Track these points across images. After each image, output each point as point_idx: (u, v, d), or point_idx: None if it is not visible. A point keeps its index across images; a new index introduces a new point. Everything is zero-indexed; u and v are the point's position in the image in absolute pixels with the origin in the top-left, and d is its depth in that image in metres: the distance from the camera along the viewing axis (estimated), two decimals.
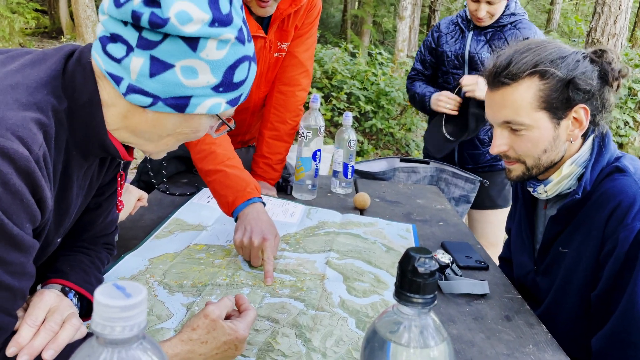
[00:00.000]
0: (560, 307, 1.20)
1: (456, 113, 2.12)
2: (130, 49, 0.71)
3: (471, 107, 2.07)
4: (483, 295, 1.18)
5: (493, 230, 2.36)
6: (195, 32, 0.70)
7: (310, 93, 1.74)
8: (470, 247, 1.43)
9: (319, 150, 1.70)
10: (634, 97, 6.43)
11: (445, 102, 2.14)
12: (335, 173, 1.85)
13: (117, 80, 0.73)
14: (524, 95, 1.08)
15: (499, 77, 1.10)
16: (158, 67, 0.72)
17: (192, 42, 0.71)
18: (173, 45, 0.71)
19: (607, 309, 1.06)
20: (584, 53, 1.09)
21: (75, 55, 0.77)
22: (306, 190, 1.74)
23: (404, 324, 0.47)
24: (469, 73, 2.17)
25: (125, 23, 0.71)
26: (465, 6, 2.17)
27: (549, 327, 1.11)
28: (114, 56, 0.72)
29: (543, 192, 1.19)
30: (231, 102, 0.81)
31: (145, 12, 0.68)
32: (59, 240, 0.89)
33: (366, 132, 6.26)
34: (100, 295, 0.35)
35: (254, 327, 0.95)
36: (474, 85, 2.02)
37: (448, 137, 2.18)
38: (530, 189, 1.23)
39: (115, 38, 0.72)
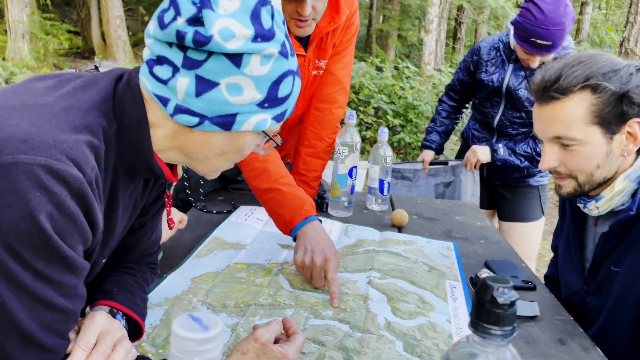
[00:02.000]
0: (614, 329, 1.15)
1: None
2: (176, 69, 0.71)
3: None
4: (533, 317, 1.14)
5: (525, 243, 2.33)
6: (238, 49, 0.70)
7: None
8: (515, 266, 1.39)
9: (355, 167, 1.68)
10: None
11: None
12: (371, 190, 1.83)
13: (164, 101, 0.74)
14: (576, 110, 1.04)
15: (549, 92, 1.07)
16: (204, 86, 0.72)
17: (236, 59, 0.71)
18: (217, 62, 0.70)
19: None
20: (637, 66, 1.05)
21: (124, 78, 0.78)
22: (342, 208, 1.72)
23: (481, 357, 0.45)
24: (506, 106, 2.15)
25: (170, 44, 0.71)
26: (508, 31, 2.09)
27: (602, 349, 1.06)
28: (161, 78, 0.73)
29: (594, 208, 1.15)
30: (277, 118, 0.80)
31: (189, 31, 0.68)
32: (103, 261, 0.90)
33: (394, 146, 6.22)
34: (178, 328, 0.34)
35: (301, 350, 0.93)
36: (473, 161, 2.21)
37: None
38: (581, 205, 1.19)
39: (161, 60, 0.72)
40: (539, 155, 2.12)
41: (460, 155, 2.44)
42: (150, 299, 1.06)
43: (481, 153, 2.19)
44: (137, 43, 14.51)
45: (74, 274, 0.68)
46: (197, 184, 1.75)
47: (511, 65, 2.10)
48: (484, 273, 1.26)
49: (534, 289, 1.28)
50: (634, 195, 1.09)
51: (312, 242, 1.22)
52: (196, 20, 0.69)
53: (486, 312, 0.42)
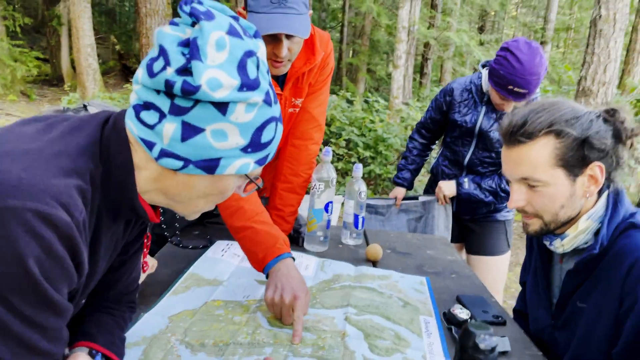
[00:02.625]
0: None
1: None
2: (162, 115, 0.74)
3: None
4: (504, 353, 1.17)
5: (493, 276, 2.39)
6: (225, 97, 0.72)
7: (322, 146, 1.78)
8: (485, 301, 1.43)
9: (331, 202, 1.72)
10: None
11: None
12: (345, 224, 1.86)
13: (149, 145, 0.76)
14: (541, 154, 1.11)
15: (516, 136, 1.13)
16: (189, 131, 0.74)
17: (222, 107, 0.73)
18: (204, 110, 0.73)
19: None
20: (597, 113, 1.13)
21: (110, 122, 0.80)
22: (318, 242, 1.75)
23: None
24: (477, 146, 2.24)
25: (158, 91, 0.74)
26: (480, 73, 2.18)
27: None
28: (147, 123, 0.75)
29: (560, 246, 1.20)
30: (259, 162, 0.83)
31: (178, 81, 0.71)
32: (83, 301, 0.90)
33: (365, 177, 6.30)
34: None
35: None
36: (442, 192, 2.31)
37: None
38: (547, 243, 1.25)
39: (148, 106, 0.75)
40: (503, 191, 2.20)
41: (428, 189, 2.51)
42: (127, 338, 1.05)
43: (446, 188, 2.30)
44: (107, 71, 14.41)
45: (59, 317, 0.69)
46: (172, 219, 1.75)
47: (484, 107, 2.18)
48: (457, 308, 1.29)
49: (504, 324, 1.32)
50: (596, 234, 1.16)
51: (283, 280, 1.25)
52: (185, 71, 0.71)
53: (469, 358, 0.46)
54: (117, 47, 16.39)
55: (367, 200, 2.34)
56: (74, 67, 11.77)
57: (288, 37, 1.40)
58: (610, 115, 1.13)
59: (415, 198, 2.44)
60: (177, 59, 0.71)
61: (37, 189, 0.64)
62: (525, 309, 1.46)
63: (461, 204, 2.32)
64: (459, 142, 2.29)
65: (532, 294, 1.40)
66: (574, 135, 1.09)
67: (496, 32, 18.04)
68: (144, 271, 0.98)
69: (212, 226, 1.89)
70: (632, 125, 1.12)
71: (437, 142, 2.57)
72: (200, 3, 0.74)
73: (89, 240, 0.77)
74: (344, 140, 6.36)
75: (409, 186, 2.51)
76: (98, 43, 12.58)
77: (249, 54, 0.75)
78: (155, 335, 1.10)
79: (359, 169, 1.82)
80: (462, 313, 1.27)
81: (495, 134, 2.16)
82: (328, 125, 6.58)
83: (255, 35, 0.79)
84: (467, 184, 2.25)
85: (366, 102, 8.11)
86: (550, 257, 1.32)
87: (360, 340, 1.15)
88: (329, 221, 1.75)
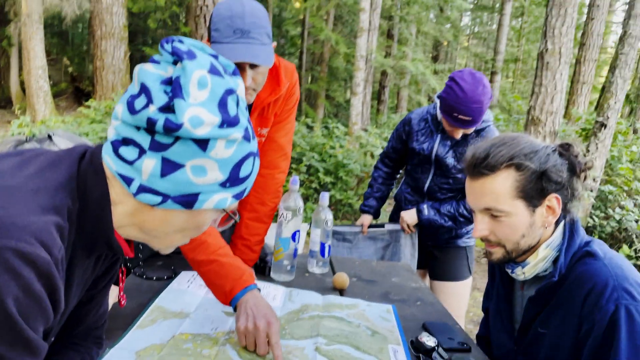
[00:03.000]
0: None
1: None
2: (142, 151, 0.74)
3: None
4: None
5: (455, 301, 2.44)
6: (206, 134, 0.73)
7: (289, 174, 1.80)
8: (450, 328, 1.47)
9: (298, 230, 1.73)
10: None
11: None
12: (312, 252, 1.87)
13: (127, 180, 0.75)
14: (502, 185, 1.17)
15: (479, 168, 1.19)
16: (169, 167, 0.74)
17: (203, 143, 0.74)
18: (184, 146, 0.74)
19: None
20: (553, 147, 1.20)
21: (87, 157, 0.79)
22: (285, 271, 1.75)
23: None
24: (435, 173, 2.32)
25: (138, 128, 0.74)
26: (435, 103, 2.27)
27: None
28: (126, 158, 0.75)
29: (521, 273, 1.26)
30: (236, 196, 0.84)
31: (161, 118, 0.71)
32: (52, 338, 0.87)
33: None
34: None
35: None
36: (405, 221, 2.37)
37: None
38: (509, 270, 1.30)
39: (127, 142, 0.75)
40: (462, 216, 2.28)
41: (393, 217, 2.57)
42: None
43: (408, 217, 2.36)
44: (59, 93, 14.02)
45: (35, 357, 0.67)
46: (136, 249, 1.71)
47: (439, 136, 2.28)
48: (424, 336, 1.32)
49: (469, 350, 1.36)
50: (555, 262, 1.22)
51: (254, 308, 1.24)
52: (167, 108, 0.72)
53: None
54: (70, 69, 16.02)
55: (335, 227, 2.36)
56: (23, 89, 11.41)
57: (252, 67, 1.42)
58: (565, 150, 1.20)
59: (382, 226, 2.49)
60: (160, 97, 0.72)
61: (16, 227, 0.63)
62: (489, 334, 1.51)
63: (423, 230, 2.38)
64: (419, 169, 2.36)
65: (495, 320, 1.44)
66: (533, 169, 1.16)
67: (449, 62, 18.75)
68: (122, 305, 0.96)
69: (175, 257, 1.86)
70: (585, 159, 1.19)
71: (401, 170, 2.64)
72: (181, 42, 0.75)
73: (64, 277, 0.76)
74: (305, 166, 6.40)
75: (375, 214, 2.56)
76: (50, 65, 12.27)
77: (230, 91, 0.76)
78: None
79: (325, 198, 1.84)
80: (429, 341, 1.30)
81: (450, 160, 2.25)
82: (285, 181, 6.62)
83: (234, 73, 0.80)
84: (426, 210, 2.31)
85: (326, 127, 8.22)
86: (512, 285, 1.37)
87: None
88: (295, 250, 1.75)
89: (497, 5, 17.12)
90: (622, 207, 6.09)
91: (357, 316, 1.48)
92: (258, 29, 1.37)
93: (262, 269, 1.79)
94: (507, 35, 15.06)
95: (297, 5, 15.34)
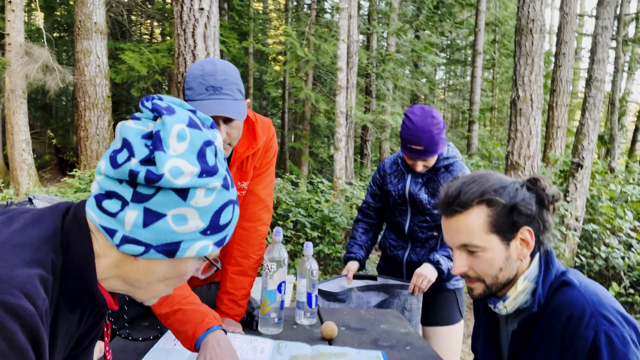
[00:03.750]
0: None
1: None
2: (125, 203, 0.77)
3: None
4: None
5: (448, 346, 2.41)
6: (186, 184, 0.77)
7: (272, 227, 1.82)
8: None
9: (284, 282, 1.74)
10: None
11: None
12: (299, 304, 1.87)
13: (111, 232, 0.78)
14: (475, 221, 1.21)
15: (452, 206, 1.23)
16: (151, 217, 0.77)
17: (183, 193, 0.77)
18: (165, 196, 0.77)
19: None
20: (521, 182, 1.25)
21: (71, 211, 0.82)
22: (272, 324, 1.74)
23: None
24: (412, 212, 2.37)
25: (121, 181, 0.77)
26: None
27: None
28: (109, 211, 0.77)
29: (503, 307, 1.28)
30: (217, 243, 0.86)
31: (142, 170, 0.75)
32: None
33: (314, 257, 6.31)
34: None
35: None
36: (424, 285, 2.20)
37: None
38: (491, 306, 1.31)
39: (110, 195, 0.78)
40: None
41: (381, 265, 2.55)
42: None
43: (429, 273, 2.21)
44: (43, 165, 14.03)
45: None
46: (120, 310, 1.70)
47: (409, 175, 2.38)
48: None
49: None
50: (533, 294, 1.24)
51: (212, 352, 1.25)
52: (148, 161, 0.76)
53: None
54: (54, 141, 16.13)
55: (321, 286, 2.29)
56: (7, 163, 11.41)
57: (226, 121, 1.49)
58: (532, 184, 1.25)
59: (374, 278, 2.37)
60: (141, 150, 0.76)
61: (0, 280, 0.64)
62: None
63: (409, 271, 2.37)
64: (396, 212, 2.42)
65: (484, 358, 1.44)
66: (503, 203, 1.20)
67: None
68: None
69: None
70: (553, 192, 1.24)
71: (383, 222, 2.63)
72: (160, 99, 0.81)
73: (49, 329, 0.76)
74: (291, 221, 6.41)
75: (361, 262, 2.48)
76: (33, 138, 12.34)
77: (208, 143, 0.81)
78: None
79: (309, 247, 1.86)
80: None
81: (424, 196, 2.31)
82: (275, 208, 6.64)
83: (212, 127, 0.85)
84: (442, 261, 2.24)
85: (311, 183, 8.30)
86: (496, 321, 1.39)
87: None
88: (282, 302, 1.75)
89: (469, 58, 17.86)
90: (607, 245, 6.15)
91: None
92: (229, 85, 1.44)
93: (250, 323, 1.77)
94: (481, 86, 15.61)
95: (277, 68, 15.84)
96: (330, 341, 1.70)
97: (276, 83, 15.41)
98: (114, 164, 0.76)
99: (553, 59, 10.75)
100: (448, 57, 19.52)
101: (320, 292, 2.22)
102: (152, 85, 12.98)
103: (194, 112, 0.84)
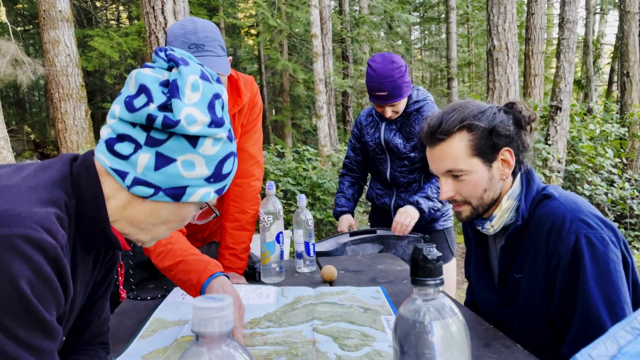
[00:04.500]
0: (529, 330, 1.32)
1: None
2: (138, 146, 0.82)
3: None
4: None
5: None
6: (197, 132, 0.82)
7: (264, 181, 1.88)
8: None
9: (282, 232, 1.80)
10: (539, 156, 7.14)
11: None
12: (298, 254, 1.94)
13: (122, 175, 0.83)
14: (458, 147, 1.27)
15: (435, 135, 1.29)
16: (162, 161, 0.82)
17: (193, 140, 0.83)
18: (177, 142, 0.82)
19: (566, 317, 1.19)
20: (498, 107, 1.31)
21: (79, 159, 0.86)
22: (274, 274, 1.81)
23: (423, 309, 0.58)
24: (391, 159, 2.44)
25: (134, 125, 0.82)
26: None
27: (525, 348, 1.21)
28: (122, 154, 0.82)
29: (490, 227, 1.35)
30: (218, 192, 0.92)
31: (159, 116, 0.80)
32: (63, 338, 0.92)
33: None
34: (199, 302, 0.43)
35: None
36: (407, 221, 2.25)
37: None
38: (479, 228, 1.39)
39: (123, 138, 0.83)
40: None
41: (373, 216, 2.64)
42: None
43: (411, 212, 2.28)
44: None
45: (51, 340, 0.72)
46: (126, 275, 1.76)
47: (383, 124, 2.45)
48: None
49: None
50: (517, 210, 1.32)
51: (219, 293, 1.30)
52: (165, 107, 0.81)
53: (422, 269, 0.56)
54: (32, 137, 15.89)
55: (318, 246, 2.34)
56: None
57: None
58: (509, 108, 1.32)
59: (373, 232, 2.39)
60: (159, 97, 0.81)
61: (21, 217, 0.69)
62: (475, 299, 1.59)
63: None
64: (376, 162, 2.50)
65: (476, 281, 1.53)
66: (482, 127, 1.27)
67: None
68: (122, 299, 1.01)
69: (166, 279, 1.90)
70: (529, 113, 1.31)
71: (367, 175, 2.70)
72: (172, 50, 0.85)
73: (69, 263, 0.82)
74: (281, 191, 6.47)
75: (352, 212, 2.57)
76: (11, 135, 12.12)
77: (217, 96, 0.86)
78: None
79: (302, 199, 1.92)
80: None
81: (399, 141, 2.39)
82: (263, 180, 6.69)
83: (218, 81, 0.90)
84: (422, 202, 2.32)
85: (297, 152, 8.33)
86: (485, 242, 1.47)
87: (330, 343, 1.22)
88: (282, 251, 1.82)
89: (443, 15, 17.78)
90: (590, 183, 6.32)
91: (349, 299, 1.55)
92: (211, 42, 1.47)
93: (252, 276, 1.84)
94: (457, 42, 15.60)
95: (251, 42, 15.64)
96: (331, 283, 1.77)
97: (251, 57, 15.24)
98: (130, 108, 0.81)
99: (526, 8, 10.75)
100: (422, 15, 19.40)
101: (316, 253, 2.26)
102: (126, 71, 12.79)
103: (202, 65, 0.89)
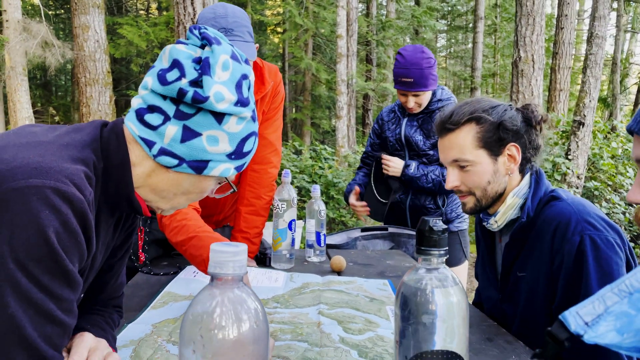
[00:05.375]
0: (529, 328, 1.33)
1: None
2: (167, 118, 0.86)
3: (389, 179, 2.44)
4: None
5: None
6: (224, 109, 0.86)
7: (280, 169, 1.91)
8: None
9: (294, 220, 1.83)
10: (558, 170, 7.07)
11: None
12: (309, 243, 1.97)
13: (149, 144, 0.87)
14: (465, 137, 1.31)
15: (445, 125, 1.33)
16: (189, 134, 0.86)
17: (219, 117, 0.87)
18: (204, 118, 0.86)
19: None
20: (510, 105, 1.34)
21: (109, 125, 0.91)
22: (285, 260, 1.84)
23: (425, 279, 0.60)
24: (409, 153, 2.45)
25: (165, 97, 0.86)
26: None
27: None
28: (151, 124, 0.87)
29: (494, 222, 1.37)
30: (237, 168, 0.96)
31: (190, 91, 0.84)
32: (82, 295, 0.96)
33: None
34: (216, 246, 0.47)
35: None
36: (391, 165, 2.39)
37: (380, 199, 2.50)
38: (485, 223, 1.41)
39: (153, 109, 0.87)
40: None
41: (388, 214, 2.65)
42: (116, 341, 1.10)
43: (397, 162, 2.38)
44: None
45: (72, 289, 0.76)
46: (141, 250, 1.81)
47: (405, 119, 2.46)
48: None
49: None
50: (523, 208, 1.34)
51: None
52: (196, 83, 0.85)
53: (427, 239, 0.58)
54: (57, 119, 16.20)
55: (329, 241, 2.36)
56: None
57: None
58: (522, 107, 1.34)
59: (385, 229, 2.42)
60: (191, 72, 0.85)
61: (53, 170, 0.74)
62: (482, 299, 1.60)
63: (415, 216, 2.47)
64: (395, 156, 2.48)
65: (482, 278, 1.55)
66: (491, 121, 1.30)
67: None
68: (141, 262, 1.05)
69: (179, 257, 1.95)
70: (541, 113, 1.33)
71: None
72: (206, 29, 0.89)
73: (94, 219, 0.86)
74: (296, 187, 6.52)
75: (362, 190, 2.56)
76: (35, 116, 12.41)
77: (244, 76, 0.90)
78: (142, 338, 1.16)
79: (317, 190, 1.96)
80: None
81: (419, 137, 2.40)
82: (278, 175, 6.75)
83: (246, 62, 0.94)
84: (413, 167, 2.36)
85: (314, 150, 8.38)
86: (492, 241, 1.49)
87: (335, 326, 1.25)
88: (293, 239, 1.85)
89: (470, 25, 17.69)
90: (608, 201, 6.25)
91: (356, 289, 1.58)
92: (240, 27, 1.51)
93: (263, 260, 1.88)
94: (483, 52, 15.52)
95: (276, 39, 15.73)
96: (339, 273, 1.80)
97: (275, 55, 15.34)
98: (163, 81, 0.85)
99: (555, 22, 10.66)
100: (449, 23, 19.33)
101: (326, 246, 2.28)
102: (152, 60, 12.96)
103: (233, 46, 0.93)
